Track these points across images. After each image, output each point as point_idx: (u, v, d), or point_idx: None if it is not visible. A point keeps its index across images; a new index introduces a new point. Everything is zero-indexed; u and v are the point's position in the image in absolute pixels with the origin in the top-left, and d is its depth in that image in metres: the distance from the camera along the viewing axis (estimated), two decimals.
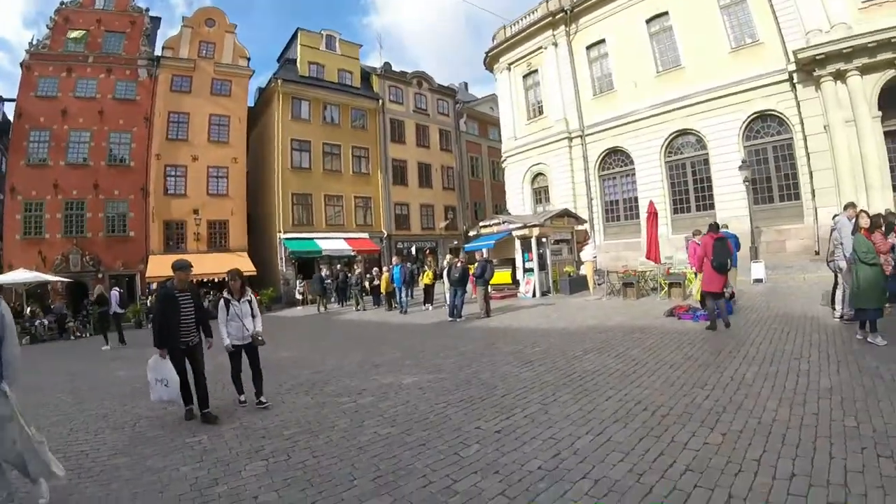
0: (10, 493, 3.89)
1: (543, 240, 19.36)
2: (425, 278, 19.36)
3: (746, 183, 18.36)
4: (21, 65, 26.34)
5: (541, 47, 28.25)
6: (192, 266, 6.58)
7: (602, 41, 25.90)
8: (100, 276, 25.02)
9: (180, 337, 6.09)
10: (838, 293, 8.99)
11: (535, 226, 19.16)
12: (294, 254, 30.15)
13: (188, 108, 29.11)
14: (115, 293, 16.56)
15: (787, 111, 19.26)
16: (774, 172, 20.00)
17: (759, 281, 15.95)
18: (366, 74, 37.88)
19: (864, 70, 16.95)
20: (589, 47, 26.51)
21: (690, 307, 11.44)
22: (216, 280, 25.22)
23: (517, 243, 19.86)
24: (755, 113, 20.18)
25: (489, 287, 15.36)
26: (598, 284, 18.10)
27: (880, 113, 16.93)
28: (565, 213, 22.18)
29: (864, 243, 7.10)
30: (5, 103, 30.95)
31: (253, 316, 6.63)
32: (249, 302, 6.65)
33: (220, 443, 5.32)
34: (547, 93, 28.32)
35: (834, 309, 9.27)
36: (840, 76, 17.38)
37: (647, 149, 23.61)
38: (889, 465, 3.53)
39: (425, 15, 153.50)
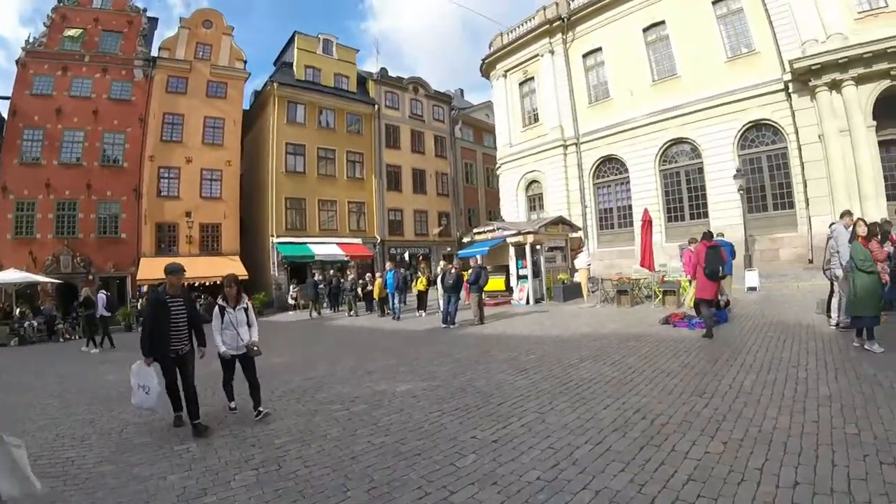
0: None
1: (538, 247, 19.32)
2: (419, 284, 19.24)
3: (741, 192, 18.42)
4: (17, 62, 26.12)
5: (537, 55, 28.31)
6: (184, 270, 6.29)
7: (598, 49, 25.99)
8: (90, 277, 24.73)
9: (171, 345, 5.82)
10: (834, 301, 8.99)
11: (529, 233, 19.13)
12: (287, 258, 29.91)
13: (183, 109, 28.90)
14: (101, 296, 16.33)
15: (782, 120, 19.35)
16: (769, 181, 20.07)
17: (752, 289, 15.97)
18: (362, 79, 37.84)
19: (860, 80, 17.06)
20: (585, 55, 26.59)
21: (686, 315, 11.42)
22: (207, 284, 25.01)
23: (511, 250, 19.79)
24: (750, 122, 20.27)
25: (483, 294, 15.27)
26: (592, 292, 18.09)
27: (875, 123, 17.02)
28: (560, 221, 22.18)
29: (861, 251, 7.10)
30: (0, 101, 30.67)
31: (249, 325, 6.34)
32: (245, 310, 6.37)
33: (210, 451, 5.18)
34: (543, 100, 28.35)
35: (829, 317, 9.27)
36: (835, 86, 17.47)
37: (642, 157, 23.64)
38: (892, 472, 3.51)
39: (423, 21, 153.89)
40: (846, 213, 8.93)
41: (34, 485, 3.30)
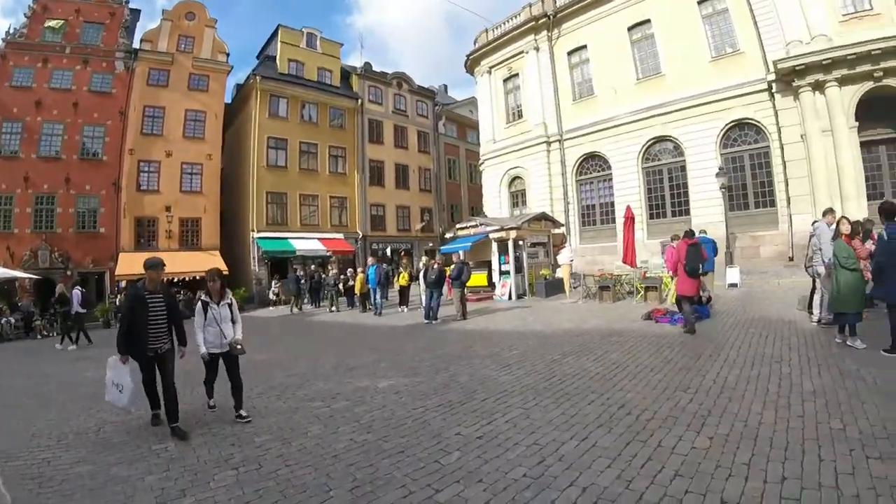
0: None
1: (520, 242, 19.34)
2: (401, 280, 19.15)
3: (723, 189, 18.56)
4: None
5: (522, 51, 28.26)
6: (164, 265, 6.01)
7: (584, 47, 25.99)
8: (69, 273, 24.15)
9: (149, 343, 5.54)
10: (816, 298, 9.09)
11: (512, 228, 19.12)
12: (267, 253, 29.63)
13: (164, 102, 28.42)
14: (76, 292, 15.97)
15: (765, 120, 19.51)
16: (750, 180, 20.24)
17: (734, 285, 16.15)
18: (346, 74, 37.57)
19: (843, 81, 17.24)
20: (570, 53, 26.59)
21: (668, 311, 11.50)
22: (187, 279, 24.75)
23: (494, 246, 19.74)
24: (733, 121, 20.40)
25: (465, 289, 15.21)
26: (575, 288, 18.11)
27: (857, 123, 17.22)
28: (542, 217, 22.22)
29: (844, 249, 7.15)
30: None
31: (233, 321, 6.09)
32: (229, 305, 6.12)
33: (188, 450, 5.03)
34: (527, 97, 28.33)
35: (811, 313, 9.38)
36: (819, 87, 17.65)
37: (625, 154, 23.72)
38: (879, 466, 3.52)
39: (408, 16, 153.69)
40: (828, 211, 9.01)
41: (5, 498, 3.53)
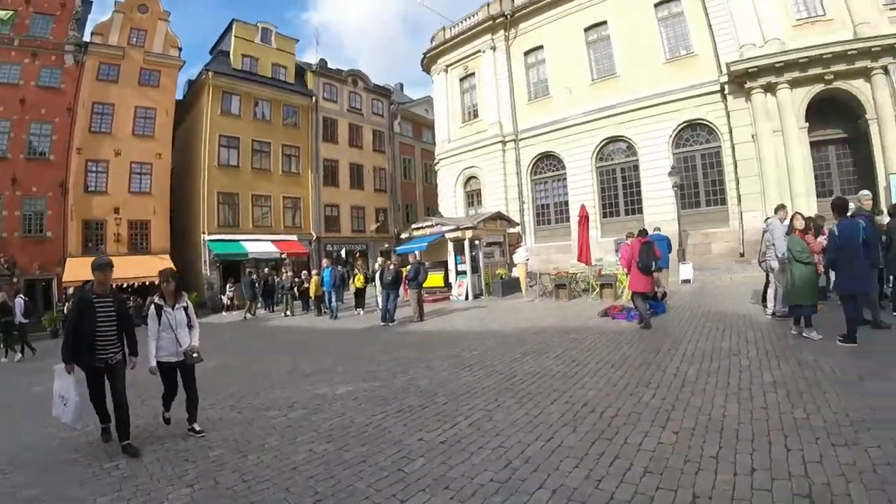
0: None
1: (476, 242, 19.28)
2: (356, 282, 18.76)
3: (675, 188, 18.86)
4: None
5: (479, 51, 28.25)
6: (112, 265, 5.46)
7: (540, 47, 26.12)
8: (14, 280, 22.67)
9: (97, 352, 5.03)
10: (770, 291, 9.27)
11: (468, 228, 19.06)
12: (219, 256, 28.71)
13: (114, 98, 27.16)
14: (19, 301, 15.17)
15: (717, 120, 20.01)
16: (702, 178, 20.72)
17: (687, 281, 16.46)
18: (300, 70, 36.80)
19: (795, 84, 17.82)
20: (527, 53, 26.70)
21: (624, 307, 11.59)
22: (136, 285, 23.79)
23: (450, 246, 19.64)
24: (685, 121, 20.85)
25: (422, 290, 15.00)
26: (531, 286, 18.15)
27: (807, 124, 17.87)
28: (498, 216, 22.24)
29: (798, 243, 7.29)
30: None
31: (189, 326, 5.61)
32: (185, 309, 5.63)
33: (140, 468, 4.69)
34: (483, 96, 28.32)
35: (765, 307, 9.57)
36: (770, 89, 18.19)
37: (580, 154, 23.94)
38: (846, 453, 3.55)
39: (365, 13, 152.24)
40: (781, 208, 9.21)
41: None
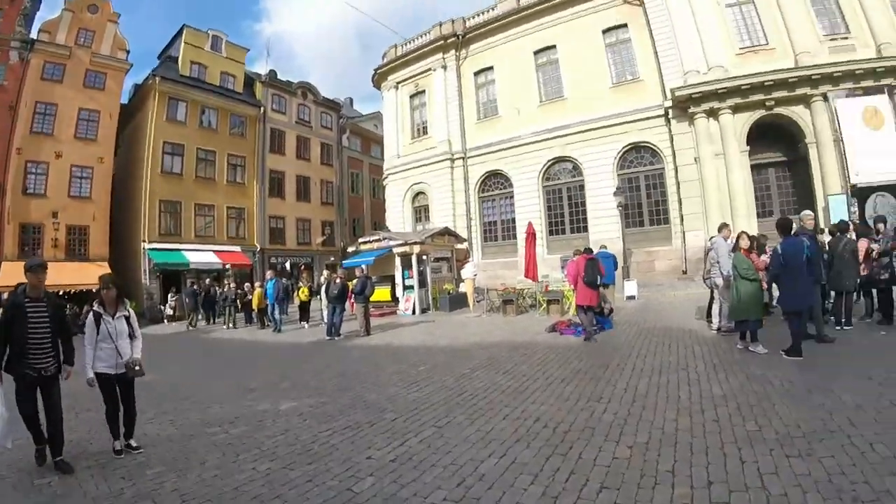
0: None
1: (424, 257, 19.16)
2: (301, 294, 18.31)
3: (619, 208, 19.30)
4: None
5: (430, 69, 28.35)
6: (46, 266, 4.97)
7: (490, 68, 26.46)
8: None
9: (29, 360, 4.57)
10: (715, 307, 9.45)
11: (416, 243, 18.97)
12: (159, 265, 27.63)
13: (57, 99, 25.87)
14: None
15: (661, 143, 20.68)
16: (645, 199, 21.33)
17: (632, 297, 16.73)
18: (249, 80, 36.09)
19: (737, 109, 18.67)
20: (477, 73, 27.00)
21: (571, 322, 11.62)
22: (73, 292, 22.58)
23: (397, 260, 19.51)
24: (630, 144, 21.46)
25: (369, 304, 14.70)
26: (478, 302, 18.10)
27: (748, 148, 18.71)
28: (446, 232, 22.24)
29: (744, 261, 7.52)
30: None
31: (131, 337, 5.18)
32: (127, 318, 5.20)
33: (73, 485, 4.31)
34: (433, 114, 28.40)
35: (710, 322, 9.77)
36: (713, 113, 18.95)
37: (527, 173, 24.26)
38: (800, 464, 3.55)
39: (318, 27, 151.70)
40: (724, 226, 9.55)
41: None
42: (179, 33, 32.97)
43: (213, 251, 30.29)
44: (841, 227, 9.06)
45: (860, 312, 9.11)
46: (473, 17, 27.15)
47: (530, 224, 18.78)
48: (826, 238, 9.29)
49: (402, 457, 4.46)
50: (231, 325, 19.81)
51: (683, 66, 19.72)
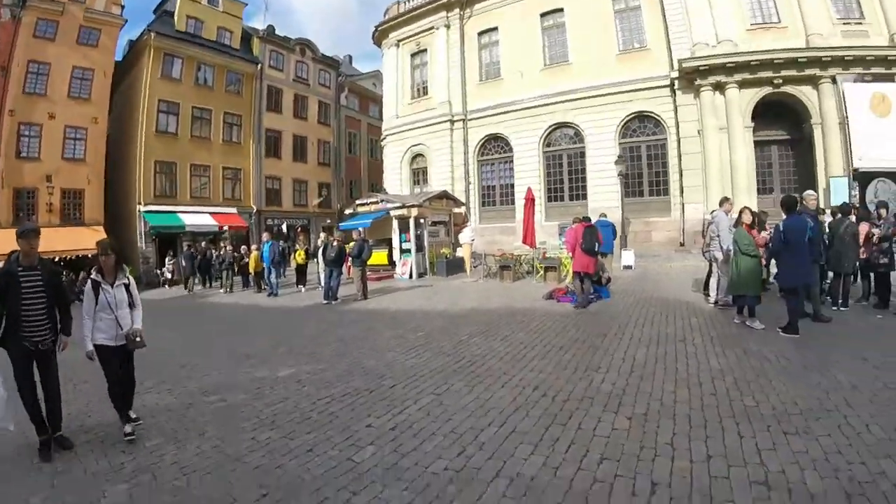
0: None
1: (422, 221, 19.04)
2: (297, 258, 18.22)
3: (620, 177, 19.20)
4: None
5: (433, 27, 27.71)
6: (39, 231, 4.69)
7: (494, 29, 25.89)
8: None
9: (24, 334, 4.29)
10: (712, 281, 9.51)
11: (413, 206, 18.81)
12: (154, 228, 27.36)
13: (50, 57, 25.05)
14: None
15: (664, 114, 20.50)
16: (646, 169, 21.23)
17: (629, 267, 16.80)
18: (247, 36, 35.03)
19: (743, 84, 18.53)
20: (481, 33, 26.43)
21: (569, 290, 11.59)
22: (69, 258, 22.25)
23: (395, 223, 19.39)
24: (634, 113, 21.25)
25: (366, 268, 14.68)
26: (475, 267, 18.12)
27: (753, 124, 18.64)
28: (444, 195, 22.09)
29: (745, 236, 7.53)
30: None
31: (131, 306, 4.82)
32: (126, 286, 4.82)
33: (73, 461, 4.19)
34: (434, 74, 27.87)
35: (707, 295, 9.82)
36: (719, 87, 18.80)
37: (528, 138, 24.00)
38: (797, 441, 3.61)
39: None
40: (725, 200, 9.59)
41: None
42: None
43: (210, 213, 29.88)
44: (843, 210, 9.12)
45: (857, 294, 9.18)
46: None
47: (529, 189, 18.67)
48: (827, 218, 9.32)
49: (401, 425, 4.48)
50: (228, 289, 19.74)
51: (693, 38, 19.43)
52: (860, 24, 17.78)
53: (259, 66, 34.01)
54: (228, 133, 32.19)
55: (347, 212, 24.00)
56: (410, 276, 18.30)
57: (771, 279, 9.31)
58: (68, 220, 25.21)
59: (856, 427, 3.76)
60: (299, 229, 35.09)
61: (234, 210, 31.62)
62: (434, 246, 20.11)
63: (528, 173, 23.71)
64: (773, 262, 8.11)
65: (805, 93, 18.02)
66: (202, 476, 3.77)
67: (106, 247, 4.85)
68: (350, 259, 14.70)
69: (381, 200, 21.08)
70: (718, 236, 8.91)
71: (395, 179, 29.29)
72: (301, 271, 18.04)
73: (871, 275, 8.85)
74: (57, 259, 21.10)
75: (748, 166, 18.42)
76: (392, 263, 19.96)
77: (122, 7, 28.19)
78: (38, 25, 24.85)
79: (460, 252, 19.21)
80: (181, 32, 30.35)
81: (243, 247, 22.23)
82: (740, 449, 3.53)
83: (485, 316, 9.90)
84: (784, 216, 7.15)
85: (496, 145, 25.88)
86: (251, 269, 18.78)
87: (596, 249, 10.29)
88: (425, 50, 28.43)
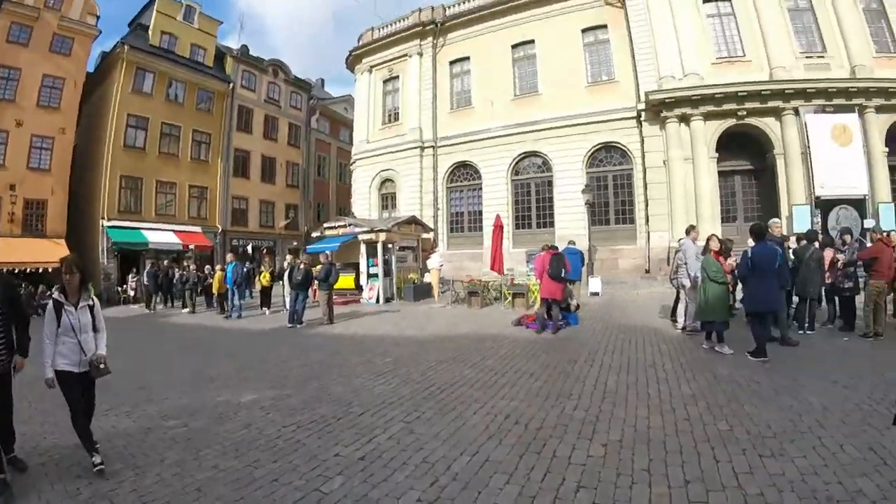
0: None
1: (390, 245, 18.94)
2: (262, 279, 17.83)
3: (587, 205, 19.49)
4: None
5: (406, 55, 27.99)
6: None
7: (467, 58, 26.31)
8: None
9: None
10: (680, 307, 9.65)
11: (382, 231, 18.74)
12: (117, 244, 26.58)
13: (22, 63, 24.53)
14: None
15: (631, 145, 21.02)
16: (612, 198, 21.63)
17: (595, 294, 16.99)
18: (220, 55, 34.88)
19: (708, 116, 19.16)
20: (453, 62, 26.82)
21: (538, 316, 11.55)
22: (28, 270, 21.59)
23: (362, 247, 19.26)
24: (601, 143, 21.71)
25: (332, 291, 14.44)
26: (443, 293, 18.03)
27: (717, 154, 19.24)
28: (413, 221, 22.09)
29: (713, 263, 7.69)
30: None
31: (96, 330, 4.43)
32: (91, 308, 4.42)
33: (27, 485, 3.93)
34: (405, 100, 28.09)
35: (675, 321, 9.96)
36: (685, 119, 19.39)
37: (496, 166, 24.26)
38: (774, 464, 3.60)
39: (296, 3, 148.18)
40: (692, 229, 9.80)
41: None
42: (152, 1, 31.59)
43: (174, 231, 29.23)
44: (809, 237, 9.44)
45: (822, 318, 9.45)
46: (453, 6, 26.82)
47: (498, 217, 18.70)
48: (792, 245, 9.62)
49: (371, 454, 4.31)
50: (191, 309, 19.19)
51: (659, 71, 20.06)
52: (822, 57, 18.59)
53: (231, 85, 33.78)
54: (197, 151, 31.73)
55: (315, 235, 23.73)
56: (377, 301, 18.08)
57: (737, 304, 9.46)
58: (29, 231, 24.41)
59: (830, 448, 3.80)
60: (265, 251, 34.54)
61: (199, 229, 30.98)
62: (402, 271, 19.96)
63: (497, 201, 23.84)
64: (738, 286, 8.28)
65: (768, 124, 18.69)
66: None
67: (71, 264, 4.39)
68: (316, 282, 14.44)
69: (350, 224, 20.94)
70: (686, 264, 9.06)
71: (364, 204, 29.16)
72: (266, 293, 17.58)
73: (836, 299, 9.15)
74: (16, 271, 20.56)
75: (712, 195, 18.92)
76: (359, 288, 19.70)
77: (98, 18, 27.86)
78: (11, 30, 24.43)
79: (428, 277, 19.13)
80: (155, 47, 30.08)
81: (207, 267, 21.69)
82: (717, 473, 3.51)
83: (454, 342, 9.77)
84: (752, 243, 7.33)
85: (465, 172, 26.05)
86: (215, 290, 18.27)
87: (563, 276, 10.39)
88: (398, 77, 28.66)
